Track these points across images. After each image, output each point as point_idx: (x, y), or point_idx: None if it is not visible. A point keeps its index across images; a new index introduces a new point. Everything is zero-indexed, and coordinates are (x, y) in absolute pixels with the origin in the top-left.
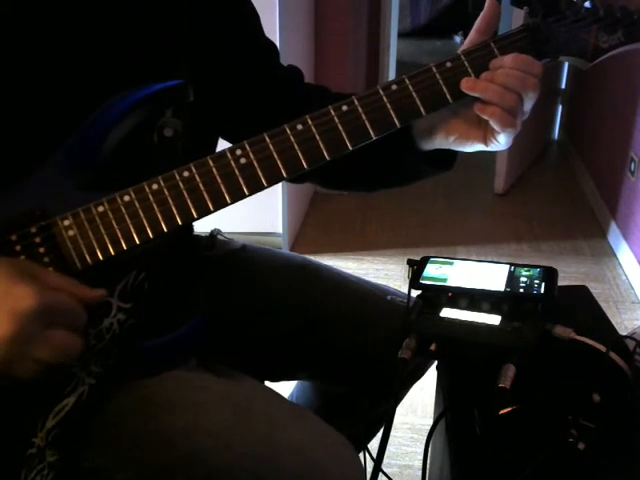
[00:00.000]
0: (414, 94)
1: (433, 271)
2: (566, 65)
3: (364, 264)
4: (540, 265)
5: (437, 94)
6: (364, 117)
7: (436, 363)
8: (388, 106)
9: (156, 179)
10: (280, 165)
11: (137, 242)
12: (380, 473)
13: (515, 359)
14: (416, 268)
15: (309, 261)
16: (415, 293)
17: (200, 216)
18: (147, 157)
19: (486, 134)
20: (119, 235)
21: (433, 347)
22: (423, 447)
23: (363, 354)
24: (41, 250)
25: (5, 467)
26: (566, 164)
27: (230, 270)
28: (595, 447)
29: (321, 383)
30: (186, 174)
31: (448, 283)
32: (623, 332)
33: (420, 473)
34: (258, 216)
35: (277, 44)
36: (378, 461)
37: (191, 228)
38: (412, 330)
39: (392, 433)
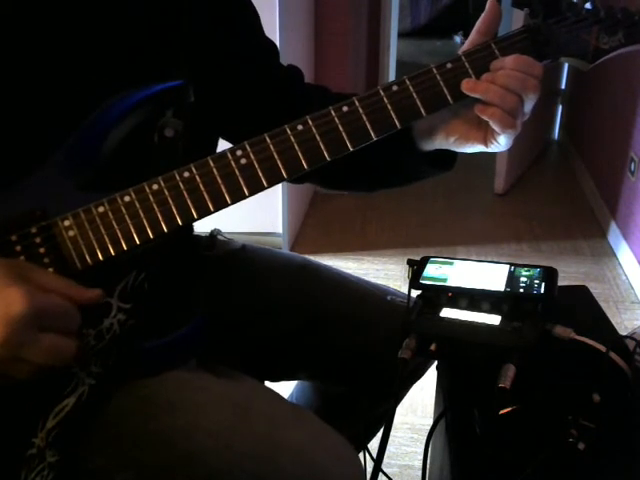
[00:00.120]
0: (415, 95)
1: (433, 271)
2: (566, 65)
3: (364, 264)
4: (540, 265)
5: (438, 95)
6: (365, 118)
7: (436, 363)
8: (389, 107)
9: (156, 179)
10: (280, 166)
11: (137, 242)
12: (380, 473)
13: (515, 359)
14: (416, 268)
15: (309, 261)
16: (415, 293)
17: (200, 216)
18: (147, 157)
19: (486, 135)
20: (119, 235)
21: (433, 347)
22: (423, 447)
23: (363, 354)
24: (41, 250)
25: (5, 467)
26: (566, 164)
27: (230, 270)
28: (595, 447)
29: (321, 383)
30: (186, 174)
31: (448, 283)
32: (623, 332)
33: (420, 473)
34: (258, 216)
35: (277, 44)
36: (378, 461)
37: (191, 228)
38: (412, 330)
39: (392, 433)
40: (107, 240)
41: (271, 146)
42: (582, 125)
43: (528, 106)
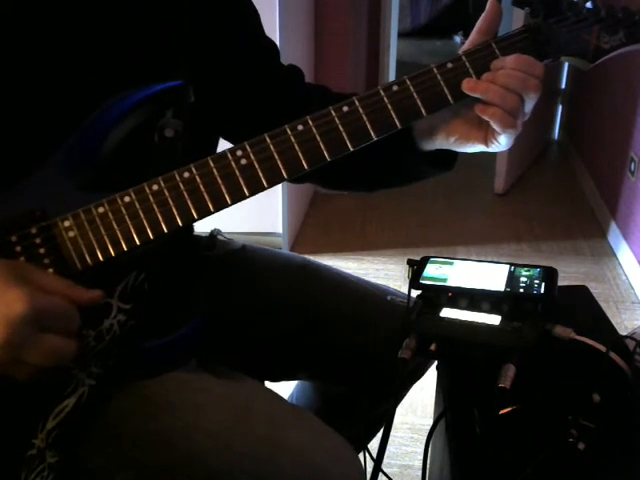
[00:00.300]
0: (415, 95)
1: (433, 271)
2: (566, 65)
3: (364, 264)
4: (540, 265)
5: (438, 95)
6: (365, 118)
7: (436, 363)
8: (389, 107)
9: (156, 180)
10: (281, 166)
11: (137, 243)
12: (380, 473)
13: (515, 359)
14: (416, 268)
15: (309, 261)
16: (415, 293)
17: (200, 217)
18: (147, 158)
19: (487, 135)
20: (119, 236)
21: (433, 347)
22: (423, 447)
23: (363, 354)
24: (41, 251)
25: (5, 468)
26: (566, 164)
27: (230, 270)
28: (595, 447)
29: (321, 383)
30: (186, 175)
31: (448, 283)
32: (623, 332)
33: (420, 473)
34: (258, 216)
35: (277, 44)
36: (378, 461)
37: (191, 228)
38: (412, 330)
39: (392, 433)
40: (107, 241)
41: (271, 146)
42: (582, 125)
43: (529, 106)
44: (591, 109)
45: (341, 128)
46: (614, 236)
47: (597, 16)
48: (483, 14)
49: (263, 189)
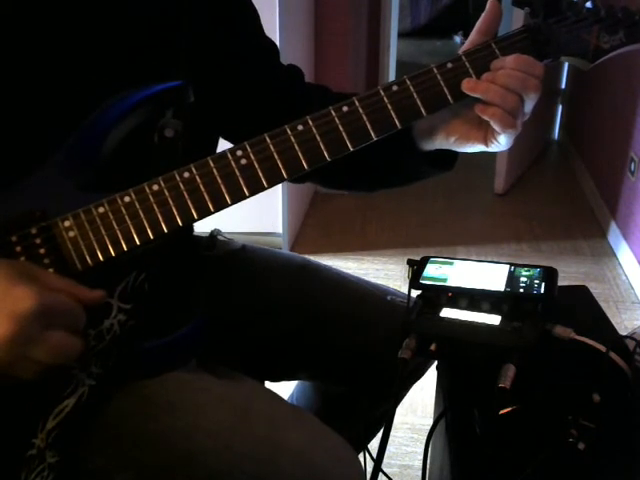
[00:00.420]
0: (415, 95)
1: (433, 271)
2: (566, 65)
3: (364, 264)
4: (540, 265)
5: (438, 95)
6: (365, 118)
7: (436, 363)
8: (389, 107)
9: (156, 180)
10: (280, 166)
11: (137, 243)
12: (380, 473)
13: (515, 359)
14: (416, 268)
15: (309, 261)
16: (415, 293)
17: (200, 217)
18: (147, 158)
19: (487, 135)
20: (119, 236)
21: (433, 347)
22: (423, 447)
23: (363, 354)
24: (41, 251)
25: (5, 468)
26: (566, 164)
27: (230, 270)
28: (595, 447)
29: (321, 383)
30: (186, 175)
31: (448, 283)
32: (623, 332)
33: (420, 473)
34: (258, 216)
35: (277, 44)
36: (378, 461)
37: (191, 228)
38: (412, 330)
39: (392, 433)
40: (107, 241)
41: (271, 146)
42: (582, 125)
43: (529, 106)
44: (591, 109)
45: (341, 128)
46: (614, 236)
47: (597, 16)
48: (483, 14)
49: (263, 189)
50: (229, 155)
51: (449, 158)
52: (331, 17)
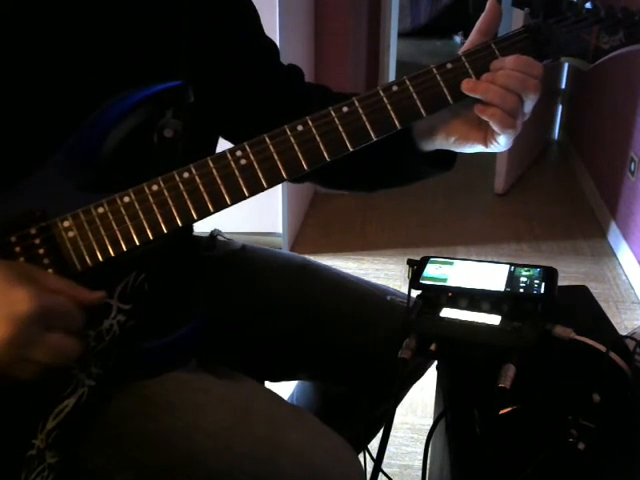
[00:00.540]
0: (415, 95)
1: (433, 271)
2: (566, 65)
3: (364, 264)
4: (540, 265)
5: (438, 95)
6: (364, 118)
7: (436, 363)
8: (389, 107)
9: (156, 180)
10: (280, 166)
11: (137, 243)
12: (380, 473)
13: (515, 359)
14: (416, 268)
15: (308, 261)
16: (415, 293)
17: (200, 217)
18: (147, 158)
19: (486, 135)
20: (119, 236)
21: (433, 347)
22: (423, 447)
23: (363, 354)
24: (41, 251)
25: (5, 469)
26: (566, 164)
27: (230, 270)
28: (595, 447)
29: (321, 383)
30: (186, 175)
31: (448, 283)
32: (623, 332)
33: (420, 473)
34: (258, 216)
35: (277, 44)
36: (378, 461)
37: (191, 229)
38: (412, 330)
39: (392, 433)
40: (107, 241)
41: (271, 147)
42: (582, 125)
43: (528, 106)
44: (591, 109)
45: (341, 128)
46: (614, 236)
47: (597, 16)
48: (483, 14)
49: (263, 189)
50: (229, 155)
51: (449, 158)
52: (331, 17)
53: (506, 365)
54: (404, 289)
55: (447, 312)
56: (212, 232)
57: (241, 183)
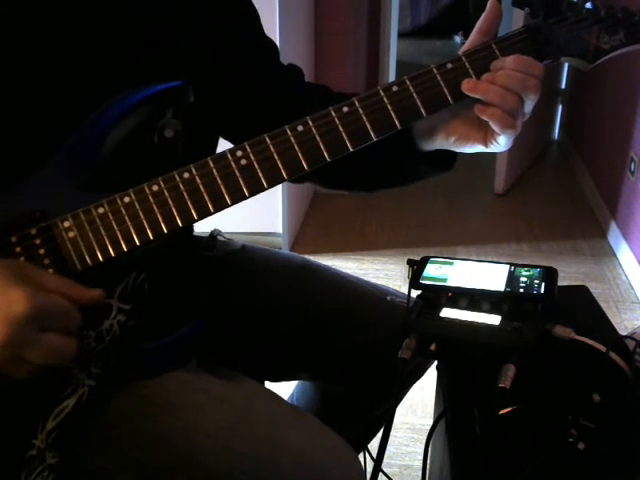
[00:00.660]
0: (415, 95)
1: (433, 271)
2: (566, 65)
3: (364, 264)
4: (540, 265)
5: (438, 95)
6: (365, 118)
7: (436, 363)
8: (389, 107)
9: (156, 180)
10: (280, 166)
11: (137, 243)
12: (380, 473)
13: (515, 359)
14: (416, 268)
15: (308, 261)
16: (415, 293)
17: (200, 217)
18: (147, 158)
19: (486, 135)
20: (119, 236)
21: (433, 347)
22: (423, 447)
23: (363, 354)
24: (41, 252)
25: (5, 469)
26: (566, 164)
27: (230, 270)
28: (595, 447)
29: (321, 383)
30: (186, 175)
31: (448, 283)
32: (623, 332)
33: (420, 473)
34: (258, 216)
35: (277, 44)
36: (378, 461)
37: (191, 229)
38: (412, 330)
39: (392, 433)
40: (107, 241)
41: (271, 147)
42: (582, 125)
43: (528, 106)
44: (591, 109)
45: (341, 129)
46: (614, 236)
47: (597, 16)
48: (483, 14)
49: (263, 189)
50: (229, 155)
51: (449, 158)
52: (331, 17)
53: (506, 365)
54: (404, 289)
55: (447, 312)
56: (212, 232)
57: (241, 183)
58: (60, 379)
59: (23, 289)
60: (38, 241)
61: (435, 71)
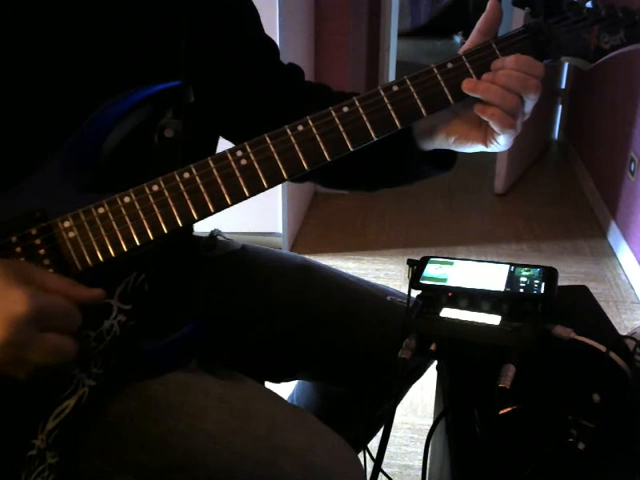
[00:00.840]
0: (415, 95)
1: (433, 271)
2: (566, 65)
3: (364, 264)
4: (540, 265)
5: (438, 95)
6: (365, 118)
7: (436, 363)
8: (389, 107)
9: (156, 180)
10: (281, 166)
11: (137, 244)
12: (380, 473)
13: (515, 359)
14: (416, 268)
15: (309, 261)
16: (415, 293)
17: (200, 218)
18: (147, 158)
19: (486, 135)
20: (119, 237)
21: (433, 347)
22: (423, 447)
23: (363, 354)
24: (41, 252)
25: (5, 469)
26: (566, 164)
27: (230, 271)
28: (595, 447)
29: (321, 383)
30: (186, 175)
31: (448, 283)
32: (623, 332)
33: (420, 473)
34: (258, 216)
35: (277, 44)
36: (378, 461)
37: (191, 229)
38: (412, 330)
39: (392, 433)
40: (107, 241)
41: (271, 146)
42: (582, 125)
43: (528, 106)
44: (591, 109)
45: (341, 128)
46: (614, 236)
47: (597, 16)
48: (483, 14)
49: (263, 189)
50: (229, 155)
51: (449, 158)
52: (331, 17)
53: (506, 365)
54: (404, 289)
55: (447, 312)
56: (212, 232)
57: (242, 183)
58: (60, 379)
59: (23, 289)
60: (38, 241)
61: (435, 71)
